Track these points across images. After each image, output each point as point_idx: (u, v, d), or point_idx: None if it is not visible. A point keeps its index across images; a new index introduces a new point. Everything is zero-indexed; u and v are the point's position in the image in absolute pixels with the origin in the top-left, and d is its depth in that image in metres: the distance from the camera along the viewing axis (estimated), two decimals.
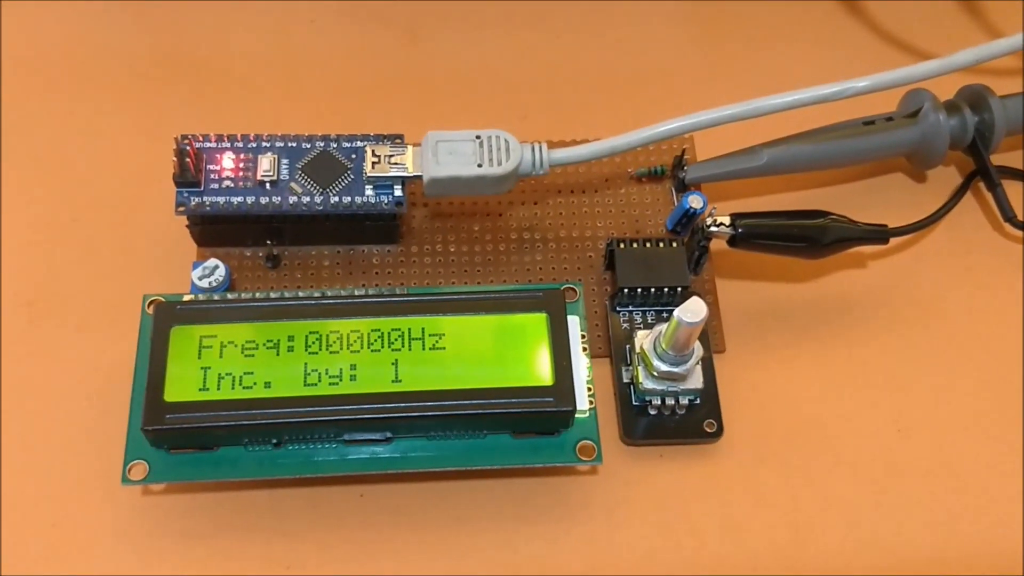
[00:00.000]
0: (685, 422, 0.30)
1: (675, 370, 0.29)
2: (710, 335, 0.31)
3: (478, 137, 0.31)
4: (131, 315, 0.29)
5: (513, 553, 0.28)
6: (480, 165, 0.30)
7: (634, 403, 0.30)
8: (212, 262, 0.30)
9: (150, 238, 0.33)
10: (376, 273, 0.32)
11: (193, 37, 0.38)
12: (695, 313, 0.27)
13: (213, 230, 0.32)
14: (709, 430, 0.30)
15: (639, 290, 0.31)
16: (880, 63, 0.33)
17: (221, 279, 0.30)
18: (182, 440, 0.27)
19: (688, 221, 0.32)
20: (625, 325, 0.31)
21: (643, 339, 0.29)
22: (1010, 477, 0.30)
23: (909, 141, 0.34)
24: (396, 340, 0.28)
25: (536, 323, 0.28)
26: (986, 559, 0.29)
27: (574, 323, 0.29)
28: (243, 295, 0.29)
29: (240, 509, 0.29)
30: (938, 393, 0.31)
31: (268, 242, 0.32)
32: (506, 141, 0.31)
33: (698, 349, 0.29)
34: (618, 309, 0.31)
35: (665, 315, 0.31)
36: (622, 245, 0.31)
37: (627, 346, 0.31)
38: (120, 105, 0.36)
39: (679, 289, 0.31)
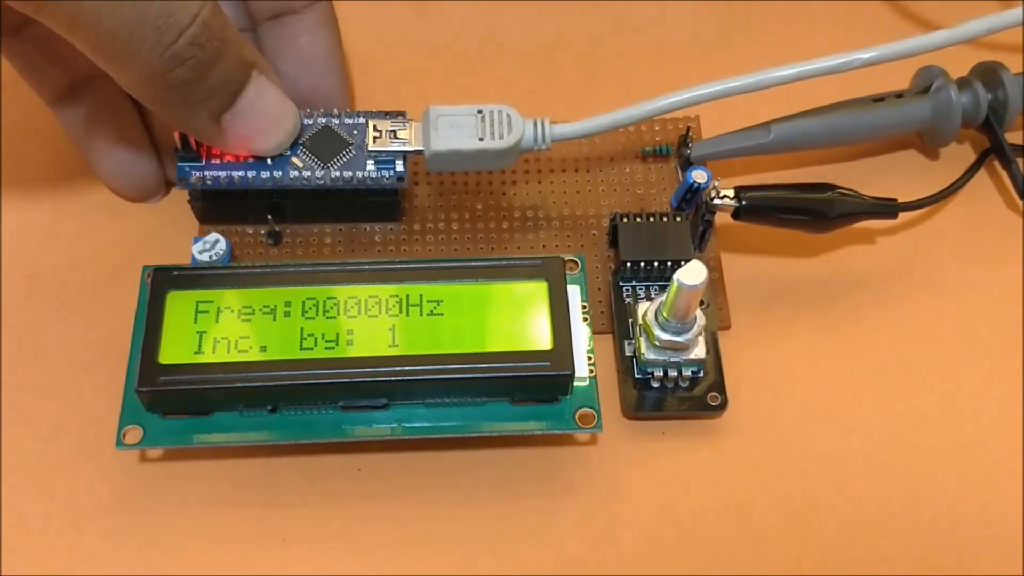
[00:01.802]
0: (688, 395, 0.29)
1: (677, 339, 0.28)
2: (715, 311, 0.31)
3: (480, 111, 0.31)
4: (131, 289, 0.29)
5: (511, 525, 0.28)
6: (481, 139, 0.30)
7: (636, 376, 0.29)
8: (213, 236, 0.30)
9: (151, 213, 0.33)
10: (378, 251, 0.32)
11: None
12: (695, 275, 0.26)
13: (215, 205, 0.32)
14: (713, 403, 0.29)
15: (642, 264, 0.30)
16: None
17: (222, 253, 0.30)
18: (177, 403, 0.27)
19: (692, 197, 0.32)
20: (628, 300, 0.31)
21: (645, 309, 0.29)
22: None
23: (920, 117, 0.33)
24: (394, 306, 0.27)
25: (536, 291, 0.28)
26: (990, 542, 0.28)
27: (574, 292, 0.28)
28: (241, 264, 0.29)
29: (237, 478, 0.28)
30: (947, 373, 0.30)
31: (269, 217, 0.32)
32: (508, 115, 0.31)
33: (700, 318, 0.28)
34: (621, 284, 0.31)
35: None
36: (625, 219, 0.31)
37: (630, 320, 0.30)
38: None
39: (683, 262, 0.30)
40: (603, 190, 0.34)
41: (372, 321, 0.27)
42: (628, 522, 0.28)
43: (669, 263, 0.30)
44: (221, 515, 0.28)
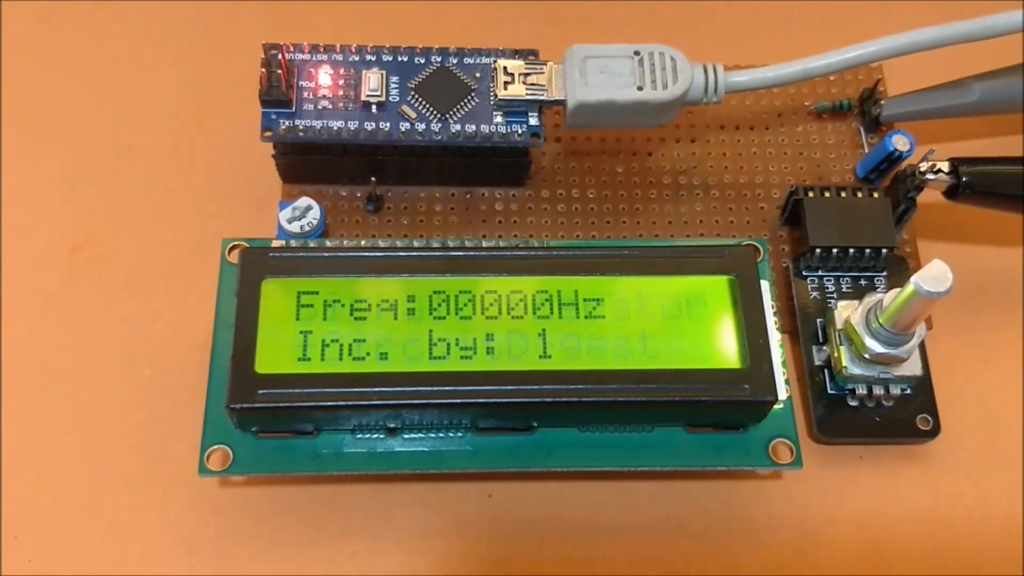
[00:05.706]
0: (893, 417, 0.24)
1: (893, 352, 0.22)
2: None
3: (637, 53, 0.25)
4: (204, 265, 0.24)
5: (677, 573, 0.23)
6: (640, 88, 0.24)
7: (830, 391, 0.24)
8: (304, 201, 0.25)
9: (227, 170, 0.27)
10: (499, 221, 0.27)
11: None
12: (939, 281, 0.20)
13: (304, 162, 0.26)
14: (923, 427, 0.24)
15: (834, 251, 0.25)
16: None
17: (315, 223, 0.25)
18: (275, 422, 0.21)
19: (888, 167, 0.26)
20: (814, 294, 0.25)
21: (850, 312, 0.23)
22: None
23: None
24: (543, 305, 0.22)
25: (718, 288, 0.22)
26: None
27: (764, 290, 0.23)
28: (347, 243, 0.23)
29: (341, 507, 0.23)
30: None
31: (372, 179, 0.26)
32: (672, 59, 0.25)
33: (922, 328, 0.23)
34: (805, 274, 0.25)
35: (863, 283, 0.25)
36: (811, 194, 0.25)
37: (818, 320, 0.25)
38: (193, 6, 0.30)
39: (883, 251, 0.25)
40: (771, 153, 0.28)
41: (517, 323, 0.22)
42: (824, 567, 0.23)
43: (867, 251, 0.25)
44: (325, 552, 0.22)
